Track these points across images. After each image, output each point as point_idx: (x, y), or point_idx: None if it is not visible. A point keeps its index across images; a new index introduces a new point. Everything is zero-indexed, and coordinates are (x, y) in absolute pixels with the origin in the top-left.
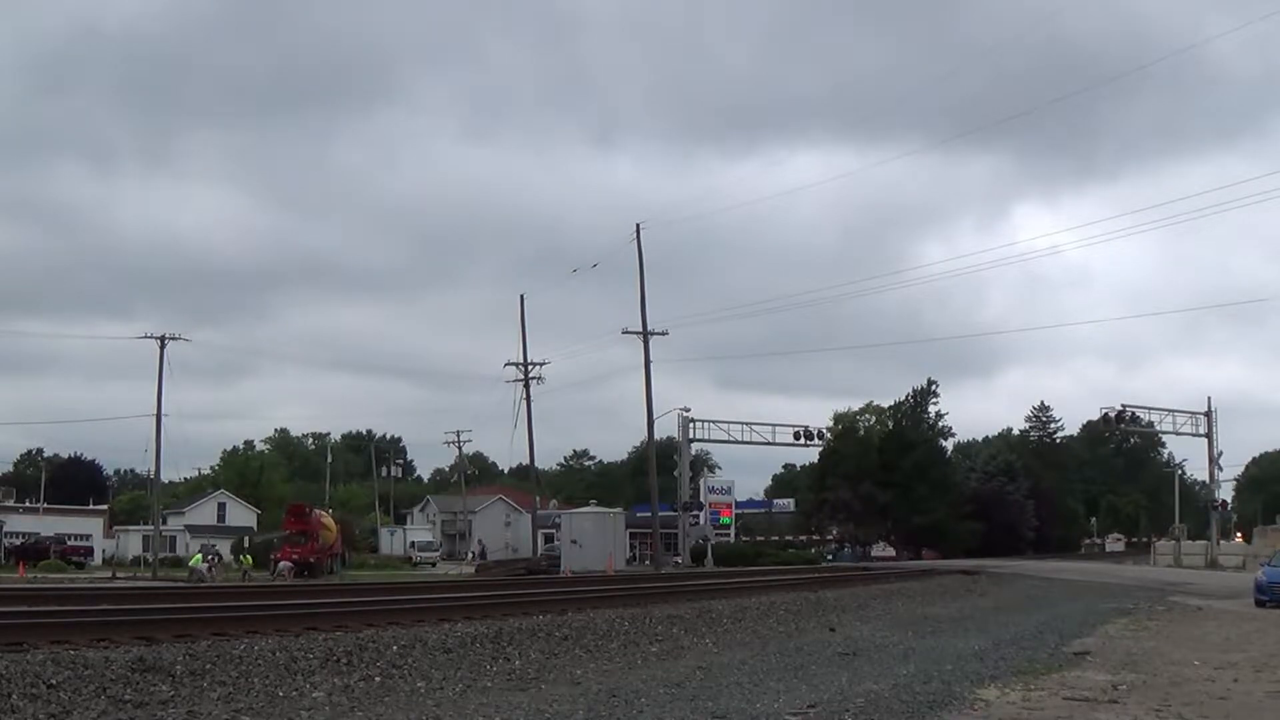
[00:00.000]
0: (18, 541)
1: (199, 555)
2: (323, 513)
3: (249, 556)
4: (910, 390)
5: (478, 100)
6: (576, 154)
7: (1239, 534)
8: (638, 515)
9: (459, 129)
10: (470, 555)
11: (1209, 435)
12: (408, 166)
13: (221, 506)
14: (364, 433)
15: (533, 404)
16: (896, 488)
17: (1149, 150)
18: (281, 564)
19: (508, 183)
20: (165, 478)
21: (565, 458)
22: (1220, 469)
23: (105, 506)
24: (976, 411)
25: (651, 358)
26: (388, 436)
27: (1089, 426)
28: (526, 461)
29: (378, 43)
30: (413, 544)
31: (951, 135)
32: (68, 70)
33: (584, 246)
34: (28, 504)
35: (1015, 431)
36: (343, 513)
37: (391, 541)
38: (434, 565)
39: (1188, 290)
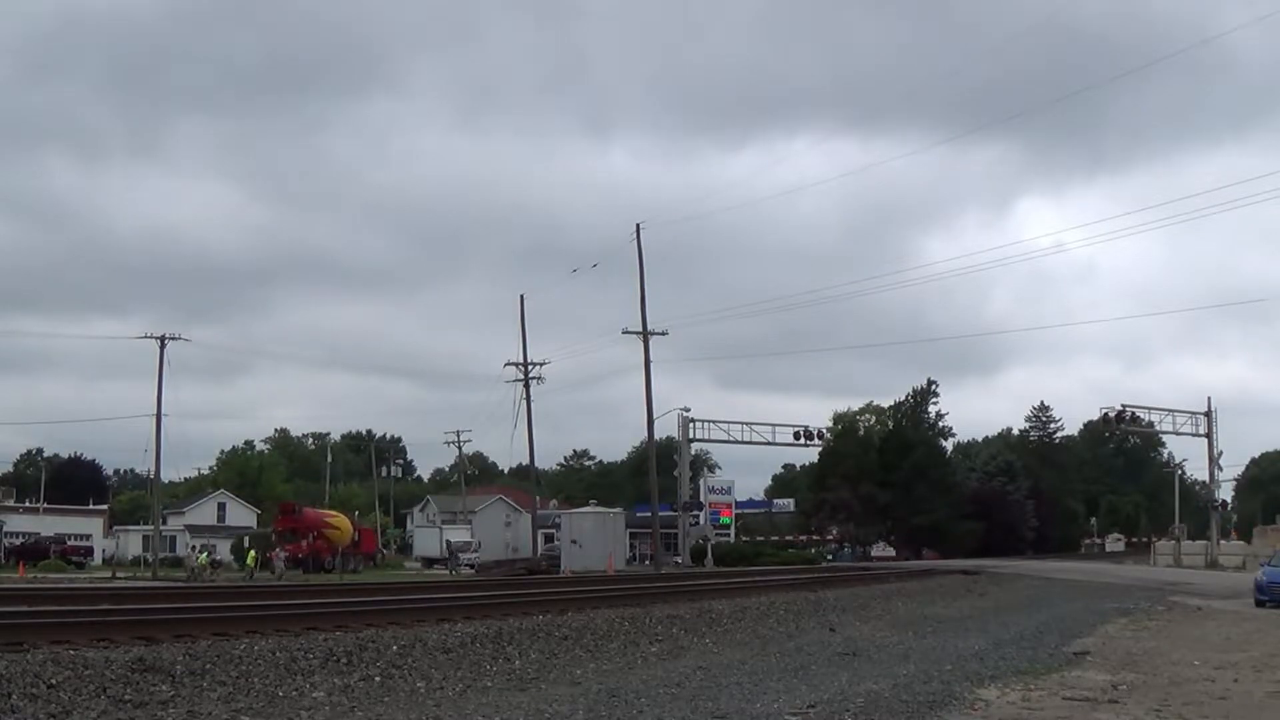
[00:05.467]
0: (18, 541)
1: (204, 555)
2: (330, 513)
3: (253, 554)
4: (910, 390)
5: (473, 90)
6: (573, 145)
7: (1234, 533)
8: (638, 515)
9: (454, 119)
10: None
11: (1209, 435)
12: (403, 157)
13: (221, 506)
14: (364, 433)
15: (533, 404)
16: (896, 488)
17: (1158, 144)
18: (277, 559)
19: (504, 175)
20: (165, 478)
21: (565, 458)
22: (1220, 469)
23: (105, 506)
24: (977, 411)
25: (651, 358)
26: (388, 436)
27: (1089, 426)
28: (526, 461)
29: (371, 29)
30: (448, 543)
31: (957, 128)
32: (54, 57)
33: (582, 240)
34: (28, 504)
35: (1015, 431)
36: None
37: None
38: (473, 568)
39: (1194, 288)
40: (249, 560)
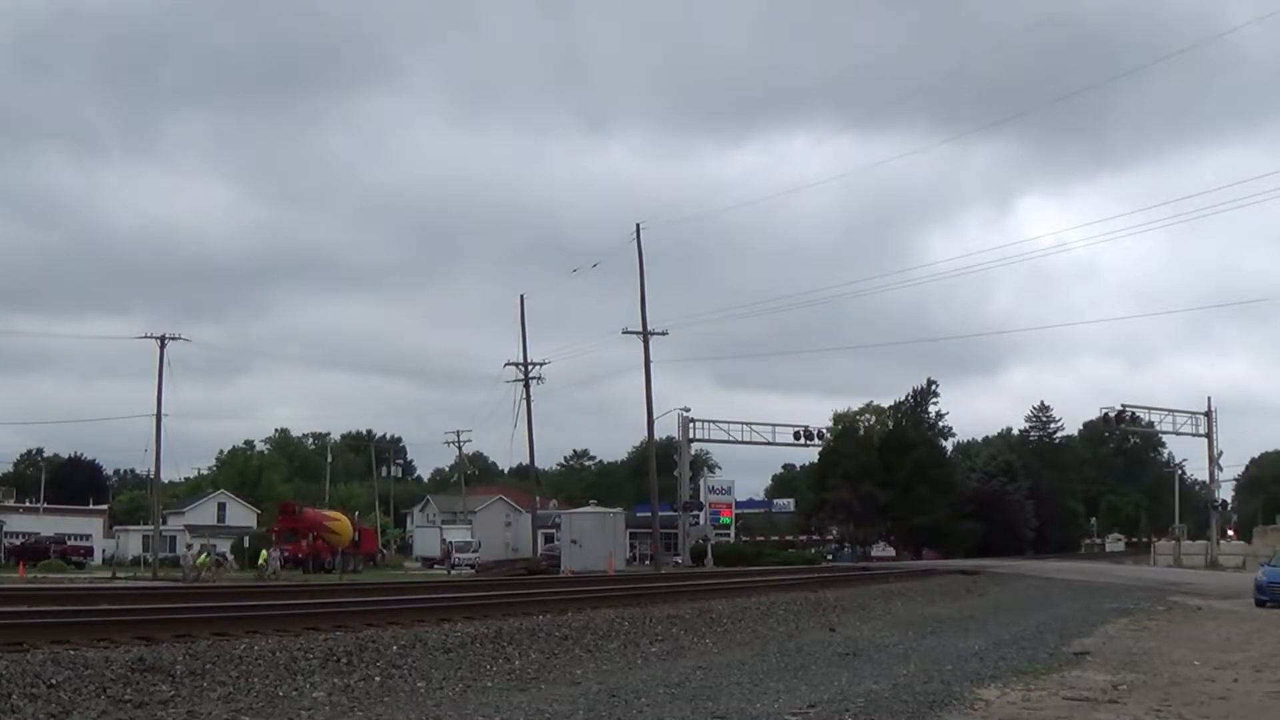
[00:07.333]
0: (18, 541)
1: (203, 555)
2: (330, 513)
3: (264, 554)
4: (910, 390)
5: (471, 86)
6: (573, 144)
7: (1232, 532)
8: (638, 515)
9: (452, 116)
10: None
11: (1209, 435)
12: (401, 154)
13: (221, 506)
14: (364, 433)
15: (533, 404)
16: (896, 488)
17: (1161, 142)
18: (272, 558)
19: (502, 173)
20: (165, 478)
21: (565, 458)
22: (1220, 469)
23: (105, 506)
24: (977, 411)
25: (651, 358)
26: (388, 436)
27: (1089, 426)
28: (526, 461)
29: (368, 24)
30: (444, 543)
31: (958, 127)
32: (50, 53)
33: (582, 240)
34: (28, 504)
35: (1015, 431)
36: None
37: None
38: (472, 568)
39: (1196, 288)
40: (261, 560)
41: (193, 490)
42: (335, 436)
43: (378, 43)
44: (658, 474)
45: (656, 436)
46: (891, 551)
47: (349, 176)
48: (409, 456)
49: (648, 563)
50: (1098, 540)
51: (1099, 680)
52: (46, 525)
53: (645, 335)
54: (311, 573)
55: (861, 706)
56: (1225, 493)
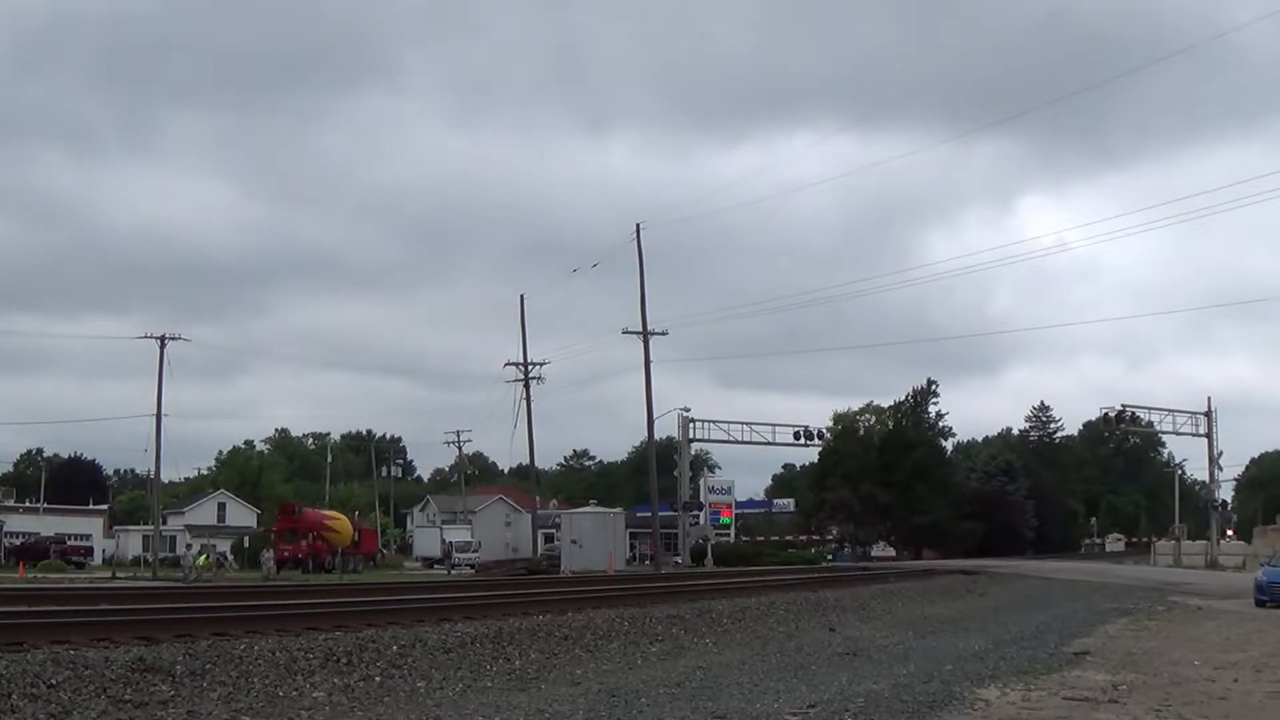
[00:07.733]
0: (18, 541)
1: (202, 555)
2: (330, 513)
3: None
4: (910, 390)
5: (470, 85)
6: (573, 143)
7: (1231, 532)
8: (638, 515)
9: (451, 115)
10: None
11: (1209, 435)
12: (400, 153)
13: (221, 506)
14: (364, 433)
15: (533, 404)
16: (896, 488)
17: (1163, 141)
18: (267, 559)
19: (502, 172)
20: (165, 478)
21: (565, 458)
22: (1220, 469)
23: (105, 506)
24: (977, 411)
25: (651, 358)
26: (387, 436)
27: (1089, 426)
28: (526, 461)
29: (367, 23)
30: (448, 543)
31: (959, 126)
32: (49, 52)
33: (582, 239)
34: (28, 504)
35: (1015, 431)
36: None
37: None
38: (472, 568)
39: (1196, 287)
40: (263, 560)
41: (193, 490)
42: (335, 436)
43: (378, 42)
44: (658, 474)
45: (656, 436)
46: (891, 551)
47: (348, 176)
48: (409, 456)
49: (648, 563)
50: (1098, 540)
51: (1099, 680)
52: (46, 525)
53: (645, 335)
54: (311, 573)
55: (861, 706)
56: (1225, 493)
